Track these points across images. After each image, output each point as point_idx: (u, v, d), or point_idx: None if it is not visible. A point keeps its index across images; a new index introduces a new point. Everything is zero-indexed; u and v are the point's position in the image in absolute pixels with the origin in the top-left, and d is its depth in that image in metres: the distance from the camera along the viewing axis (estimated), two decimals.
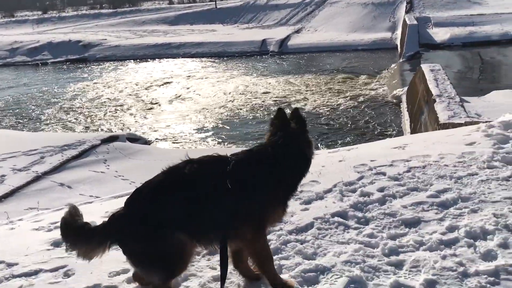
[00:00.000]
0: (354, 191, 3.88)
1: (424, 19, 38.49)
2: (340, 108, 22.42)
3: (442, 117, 12.44)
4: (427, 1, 45.09)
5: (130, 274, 2.88)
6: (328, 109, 22.33)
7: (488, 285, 2.48)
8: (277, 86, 27.88)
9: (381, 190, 3.82)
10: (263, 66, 34.73)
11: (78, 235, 2.50)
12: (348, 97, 24.19)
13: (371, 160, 4.62)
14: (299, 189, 4.01)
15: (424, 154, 4.65)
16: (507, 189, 3.56)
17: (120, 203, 4.72)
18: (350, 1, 47.98)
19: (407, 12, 41.55)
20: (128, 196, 2.65)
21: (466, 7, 42.46)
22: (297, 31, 44.08)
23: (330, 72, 30.76)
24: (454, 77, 23.57)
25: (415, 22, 35.71)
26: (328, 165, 4.68)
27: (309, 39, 40.63)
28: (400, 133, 18.45)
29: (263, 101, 24.47)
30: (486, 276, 2.55)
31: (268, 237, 3.19)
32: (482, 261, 2.70)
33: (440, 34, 35.33)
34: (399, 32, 38.64)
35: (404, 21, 37.47)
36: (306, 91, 26.29)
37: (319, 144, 17.57)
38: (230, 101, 25.14)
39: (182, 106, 25.02)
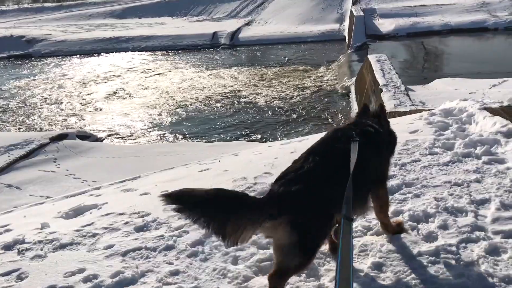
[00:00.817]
0: None
1: (370, 10, 39.58)
2: (293, 99, 22.75)
3: (389, 106, 12.93)
4: None
5: (85, 274, 2.86)
6: (281, 100, 22.61)
7: (429, 264, 2.66)
8: (230, 78, 27.90)
9: None
10: (215, 59, 34.62)
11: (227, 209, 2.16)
12: (300, 88, 24.58)
13: None
14: (254, 181, 4.13)
15: None
16: (447, 174, 3.80)
17: (73, 203, 4.67)
18: None
19: (353, 3, 42.55)
20: (282, 175, 2.47)
21: None
22: (248, 24, 44.21)
23: (282, 63, 31.10)
24: (399, 67, 24.47)
25: (361, 13, 36.68)
26: (281, 157, 4.79)
27: (260, 32, 40.84)
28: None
29: (216, 94, 24.43)
30: (427, 256, 2.72)
31: None
32: (424, 242, 2.88)
33: (385, 25, 36.45)
34: (346, 23, 39.53)
35: (351, 12, 38.38)
36: (259, 82, 26.47)
37: (278, 134, 17.85)
38: (182, 95, 24.93)
39: (133, 101, 24.57)
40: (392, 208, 3.31)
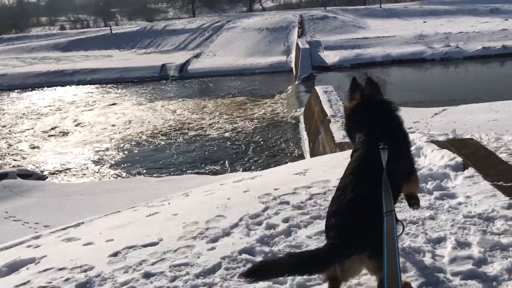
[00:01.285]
0: (260, 223, 3.86)
1: (315, 43, 40.82)
2: (244, 130, 22.76)
3: (337, 136, 13.14)
4: (317, 26, 47.92)
5: None
6: (233, 131, 22.56)
7: None
8: (180, 111, 27.64)
9: (286, 220, 3.84)
10: (164, 91, 34.30)
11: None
12: (251, 119, 24.69)
13: (275, 189, 4.65)
14: (205, 226, 3.93)
15: (324, 179, 4.79)
16: (401, 211, 3.76)
17: (8, 256, 4.20)
18: (246, 27, 49.47)
19: (299, 36, 43.79)
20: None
21: (352, 31, 45.80)
22: (197, 56, 44.36)
23: (231, 95, 31.24)
24: (345, 97, 25.06)
25: (307, 46, 37.73)
26: (234, 197, 4.63)
27: (208, 64, 41.05)
28: (300, 152, 19.16)
29: (165, 127, 24.06)
30: None
31: (175, 283, 3.03)
32: None
33: (330, 57, 37.62)
34: (293, 55, 40.50)
35: (297, 45, 39.42)
36: (210, 114, 26.37)
37: (230, 166, 17.67)
38: (130, 128, 24.37)
39: (78, 136, 23.71)
40: None
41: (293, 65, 38.39)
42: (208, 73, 38.79)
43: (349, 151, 6.92)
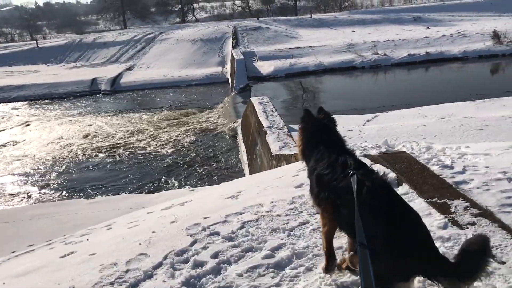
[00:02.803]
0: (186, 261, 3.49)
1: (250, 53, 40.99)
2: (181, 144, 22.17)
3: (274, 148, 13.00)
4: (251, 36, 48.25)
5: None
6: (170, 146, 21.89)
7: None
8: (113, 126, 26.53)
9: (215, 256, 3.50)
10: (95, 107, 32.88)
11: None
12: (188, 132, 24.13)
13: (205, 218, 4.31)
14: (125, 268, 3.50)
15: (257, 203, 4.51)
16: (337, 237, 3.55)
17: None
18: (179, 38, 48.82)
19: (234, 47, 43.82)
20: None
21: (285, 42, 46.54)
22: (129, 69, 43.09)
23: (167, 108, 30.50)
24: (281, 107, 25.30)
25: (242, 56, 37.78)
26: (159, 230, 4.22)
27: (142, 76, 39.97)
28: (239, 165, 18.91)
29: (97, 144, 22.93)
30: None
31: None
32: None
33: (265, 67, 37.90)
34: (228, 66, 40.43)
35: (232, 56, 39.38)
36: (145, 128, 25.51)
37: (166, 183, 17.01)
38: (59, 147, 23.01)
39: None
40: None
41: (229, 76, 38.27)
42: (142, 86, 37.74)
43: (283, 170, 6.69)
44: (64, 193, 17.30)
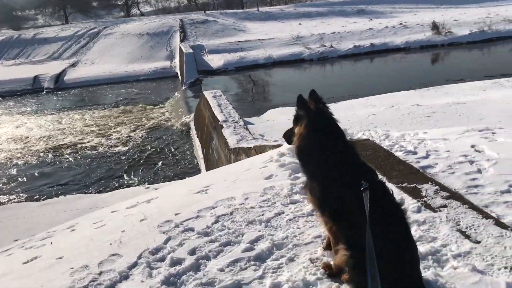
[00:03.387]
0: (163, 259, 3.37)
1: (198, 47, 40.53)
2: (132, 141, 21.61)
3: (231, 141, 12.94)
4: (198, 30, 47.71)
5: None
6: (120, 144, 21.28)
7: None
8: (59, 125, 25.46)
9: (192, 252, 3.40)
10: (39, 105, 31.41)
11: None
12: (139, 128, 23.57)
13: (176, 214, 4.19)
14: (98, 270, 3.35)
15: (229, 196, 4.44)
16: (314, 226, 3.57)
17: None
18: (124, 32, 47.49)
19: (182, 41, 43.16)
20: None
21: (233, 35, 46.38)
22: (73, 65, 41.48)
23: (115, 104, 29.64)
24: (233, 100, 25.20)
25: (190, 50, 37.28)
26: (129, 229, 4.06)
27: (87, 73, 38.59)
28: (194, 160, 18.70)
29: (44, 144, 21.92)
30: None
31: None
32: None
33: (215, 61, 37.64)
34: (177, 60, 39.82)
35: (181, 49, 38.79)
36: (94, 126, 24.65)
37: (119, 181, 16.51)
38: (1, 149, 21.80)
39: None
40: (268, 282, 2.90)
41: (178, 70, 37.70)
42: (88, 82, 36.46)
43: (249, 162, 6.63)
44: (11, 196, 16.44)
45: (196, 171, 17.84)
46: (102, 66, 40.48)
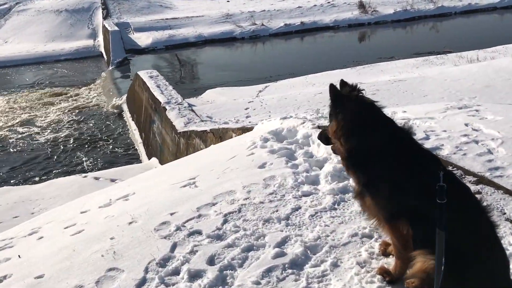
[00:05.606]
0: (177, 272, 2.82)
1: (124, 24, 38.34)
2: (60, 127, 19.96)
3: (178, 124, 12.23)
4: (122, 7, 45.17)
5: None
6: (47, 130, 19.57)
7: None
8: None
9: (211, 261, 2.89)
10: None
11: None
12: (65, 113, 21.85)
13: (171, 214, 3.62)
14: None
15: (227, 190, 3.93)
16: (344, 222, 3.18)
17: None
18: (40, 9, 43.75)
19: (105, 18, 40.59)
20: None
21: (160, 12, 44.45)
22: None
23: (35, 87, 27.30)
24: (167, 80, 24.14)
25: (116, 28, 35.15)
26: (118, 235, 3.43)
27: (0, 53, 35.14)
28: (132, 143, 17.70)
29: None
30: None
31: None
32: None
33: (142, 39, 35.86)
34: (101, 38, 37.51)
35: (105, 27, 36.49)
36: (14, 112, 22.49)
37: (49, 172, 15.11)
38: None
39: None
40: None
41: (102, 50, 35.51)
42: (2, 63, 33.23)
43: (226, 146, 6.09)
44: None
45: (135, 156, 16.88)
46: (17, 46, 37.07)
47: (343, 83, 2.55)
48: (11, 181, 14.96)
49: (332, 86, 2.47)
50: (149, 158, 15.24)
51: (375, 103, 2.47)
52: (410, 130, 2.46)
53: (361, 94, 2.48)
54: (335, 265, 2.71)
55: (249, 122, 9.98)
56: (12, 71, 32.11)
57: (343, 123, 2.41)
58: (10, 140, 18.68)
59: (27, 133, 19.38)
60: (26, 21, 41.76)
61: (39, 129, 19.86)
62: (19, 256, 3.56)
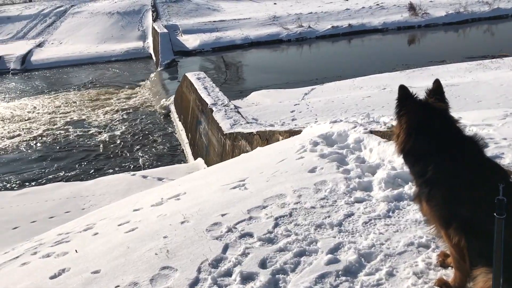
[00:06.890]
0: (229, 273, 2.84)
1: (172, 26, 39.25)
2: (110, 126, 20.64)
3: (225, 126, 12.35)
4: (171, 9, 46.24)
5: None
6: (97, 128, 20.29)
7: None
8: (30, 108, 24.13)
9: (263, 265, 2.89)
10: (5, 88, 29.72)
11: None
12: (115, 113, 22.56)
13: (223, 215, 3.65)
14: None
15: (277, 193, 3.93)
16: (399, 230, 3.11)
17: None
18: (93, 11, 45.52)
19: (154, 20, 41.70)
20: None
21: (208, 14, 45.19)
22: (40, 45, 39.50)
23: (87, 87, 28.38)
24: (214, 82, 24.45)
25: (165, 30, 36.03)
26: (171, 234, 3.50)
27: (55, 53, 36.80)
28: (179, 144, 18.04)
29: (13, 130, 20.67)
30: None
31: None
32: None
33: (190, 41, 36.54)
34: (150, 40, 38.50)
35: (154, 29, 37.45)
36: (66, 110, 23.46)
37: (98, 170, 15.66)
38: None
39: None
40: None
41: (151, 51, 36.44)
42: (57, 63, 34.78)
43: (272, 150, 6.09)
44: None
45: (181, 156, 17.19)
46: (71, 47, 38.69)
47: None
48: (64, 177, 15.59)
49: (402, 88, 2.56)
50: (195, 159, 15.47)
51: (443, 109, 2.41)
52: (480, 141, 2.38)
53: (432, 99, 2.51)
54: (390, 274, 2.64)
55: (295, 125, 9.94)
56: (67, 71, 33.52)
57: (407, 125, 2.45)
58: (61, 138, 19.47)
59: (77, 131, 20.13)
60: (80, 23, 43.53)
61: (89, 126, 20.60)
62: (76, 251, 3.69)
